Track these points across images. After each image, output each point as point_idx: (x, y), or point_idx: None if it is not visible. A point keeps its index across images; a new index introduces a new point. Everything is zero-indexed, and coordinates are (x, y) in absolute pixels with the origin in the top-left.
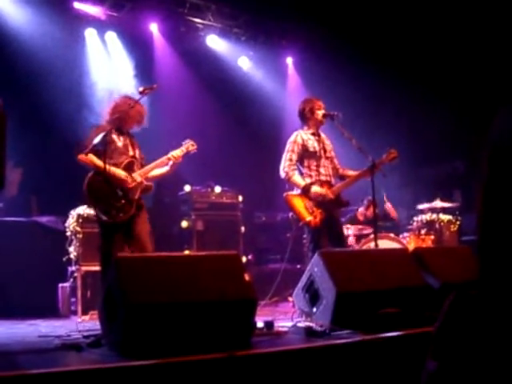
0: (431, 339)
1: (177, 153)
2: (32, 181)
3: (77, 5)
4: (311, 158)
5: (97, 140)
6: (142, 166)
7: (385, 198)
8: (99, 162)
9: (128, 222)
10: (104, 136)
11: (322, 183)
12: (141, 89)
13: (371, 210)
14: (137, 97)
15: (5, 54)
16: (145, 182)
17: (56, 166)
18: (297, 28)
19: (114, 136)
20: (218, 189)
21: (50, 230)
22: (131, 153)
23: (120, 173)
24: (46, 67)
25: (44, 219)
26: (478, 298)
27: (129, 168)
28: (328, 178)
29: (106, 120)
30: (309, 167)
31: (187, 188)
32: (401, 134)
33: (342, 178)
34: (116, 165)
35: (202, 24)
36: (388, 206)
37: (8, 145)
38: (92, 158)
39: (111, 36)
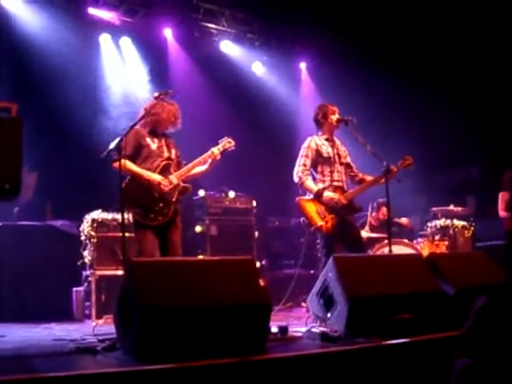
0: (461, 338)
1: (214, 151)
2: (47, 185)
3: (92, 10)
4: (325, 164)
5: (131, 144)
6: (180, 165)
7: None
8: (135, 168)
9: (164, 228)
10: (138, 141)
11: (335, 188)
12: (156, 94)
13: (382, 211)
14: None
15: (21, 60)
16: (182, 184)
17: (71, 170)
18: (310, 33)
19: (148, 139)
20: (231, 194)
21: (65, 235)
22: (166, 154)
23: (155, 177)
24: (61, 72)
25: (58, 223)
26: (509, 299)
27: (165, 170)
28: (341, 184)
29: (140, 123)
30: (322, 173)
31: (201, 193)
32: (414, 139)
33: (360, 182)
34: (151, 169)
35: (216, 29)
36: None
37: (24, 149)
38: (128, 164)
39: (126, 41)
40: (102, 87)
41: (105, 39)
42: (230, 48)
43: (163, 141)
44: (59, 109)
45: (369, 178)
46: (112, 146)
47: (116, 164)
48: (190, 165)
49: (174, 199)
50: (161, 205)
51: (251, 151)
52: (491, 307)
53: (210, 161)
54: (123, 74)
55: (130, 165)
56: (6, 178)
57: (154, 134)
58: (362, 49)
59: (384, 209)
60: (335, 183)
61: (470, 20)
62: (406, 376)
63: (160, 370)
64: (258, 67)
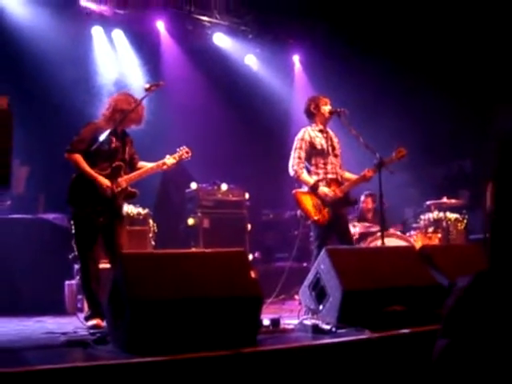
0: (442, 319)
1: (170, 161)
2: (40, 178)
3: (83, 2)
4: (318, 156)
5: (86, 141)
6: (134, 164)
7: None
8: (86, 168)
9: (107, 228)
10: (97, 136)
11: (329, 181)
12: (147, 86)
13: (366, 201)
14: (140, 95)
15: (12, 52)
16: (129, 189)
17: (63, 163)
18: (304, 26)
19: (107, 137)
20: (224, 186)
21: (57, 228)
22: (121, 155)
23: (103, 181)
24: (53, 65)
25: (51, 216)
26: (492, 282)
27: (115, 173)
28: (335, 176)
29: (104, 118)
30: (316, 165)
31: (194, 186)
32: (407, 132)
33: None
34: (102, 168)
35: (209, 22)
36: None
37: (15, 142)
38: (79, 160)
39: (118, 34)
40: (94, 79)
41: (97, 31)
42: (222, 40)
43: (121, 140)
44: (52, 101)
45: (347, 174)
46: (101, 138)
47: (70, 156)
48: (141, 171)
49: (118, 202)
50: (104, 206)
51: (244, 143)
52: (475, 288)
53: (165, 167)
54: (116, 66)
55: (81, 161)
56: None
57: (114, 131)
58: (356, 42)
59: (368, 200)
60: (329, 175)
61: (461, 9)
62: (398, 368)
63: (151, 363)
64: (251, 60)
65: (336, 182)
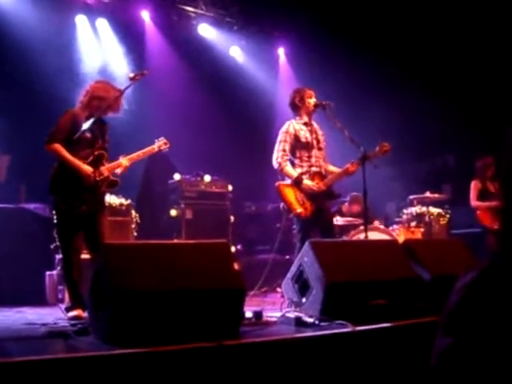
0: (444, 316)
1: (149, 151)
2: (21, 168)
3: None
4: (303, 149)
5: (66, 128)
6: (104, 149)
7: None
8: (68, 156)
9: (89, 218)
10: (74, 123)
11: (313, 174)
12: (131, 75)
13: (355, 206)
14: (124, 84)
15: None
16: (111, 177)
17: (45, 152)
18: (289, 19)
19: (92, 125)
20: (207, 178)
21: (38, 218)
22: (101, 144)
23: (85, 168)
24: (36, 52)
25: (32, 206)
26: (500, 277)
27: (97, 161)
28: (319, 169)
29: (81, 105)
30: (300, 158)
31: (177, 177)
32: (391, 127)
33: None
34: (83, 157)
35: (194, 13)
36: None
37: None
38: (60, 149)
39: (102, 23)
40: (78, 68)
41: (81, 20)
42: (207, 31)
43: (99, 127)
44: (34, 90)
45: (331, 167)
46: (85, 126)
47: (50, 147)
48: (121, 161)
49: (101, 191)
50: (87, 195)
51: (227, 135)
52: (480, 284)
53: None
54: (100, 55)
55: (62, 150)
56: None
57: (97, 119)
58: (342, 34)
59: (355, 205)
60: (313, 168)
61: (449, 5)
62: (381, 361)
63: (132, 354)
64: (235, 51)
65: (320, 175)
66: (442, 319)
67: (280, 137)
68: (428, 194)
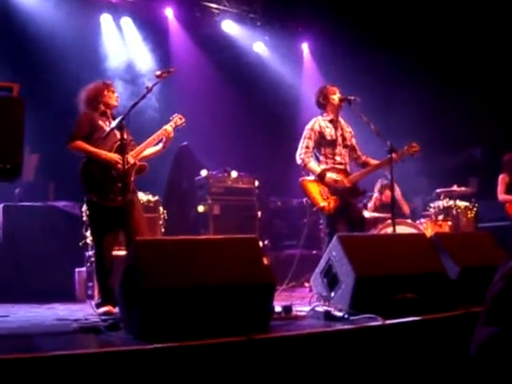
0: (487, 305)
1: (166, 128)
2: (50, 166)
3: None
4: (327, 146)
5: (85, 127)
6: (133, 148)
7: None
8: (92, 148)
9: (124, 208)
10: (91, 122)
11: (337, 171)
12: (158, 73)
13: (386, 194)
14: (151, 82)
15: (21, 40)
16: (138, 163)
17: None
18: (313, 14)
19: (101, 122)
20: (234, 174)
21: (67, 215)
22: (119, 136)
23: (113, 156)
24: (62, 52)
25: (61, 204)
26: None
27: (121, 151)
28: (344, 167)
29: (86, 107)
30: (325, 155)
31: (204, 173)
32: (417, 120)
33: (363, 165)
34: (106, 150)
35: (218, 9)
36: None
37: (25, 130)
38: (83, 145)
39: (126, 21)
40: (103, 67)
41: (105, 19)
42: (231, 28)
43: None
44: (61, 89)
45: (372, 161)
46: (113, 125)
47: (72, 145)
48: (144, 143)
49: (132, 178)
50: (119, 185)
51: (253, 131)
52: None
53: (164, 139)
54: (124, 54)
55: (85, 145)
56: (8, 159)
57: (105, 116)
58: (364, 29)
59: (387, 191)
60: (337, 166)
61: (470, 3)
62: (410, 355)
63: (163, 349)
64: (259, 47)
65: (344, 172)
66: (485, 309)
67: (305, 133)
68: (455, 187)
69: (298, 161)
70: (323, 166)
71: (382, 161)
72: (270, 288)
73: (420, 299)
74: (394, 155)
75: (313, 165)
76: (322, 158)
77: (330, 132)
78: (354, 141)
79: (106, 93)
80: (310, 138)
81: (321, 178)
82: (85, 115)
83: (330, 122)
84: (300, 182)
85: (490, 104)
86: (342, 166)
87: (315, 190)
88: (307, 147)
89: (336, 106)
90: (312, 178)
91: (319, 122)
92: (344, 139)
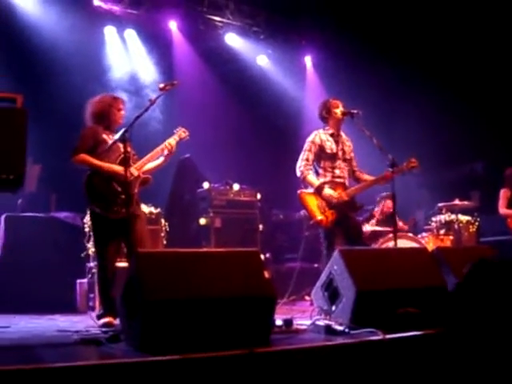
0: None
1: (170, 141)
2: (52, 177)
3: (96, 2)
4: (327, 160)
5: (88, 141)
6: (135, 161)
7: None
8: (95, 161)
9: (127, 220)
10: (95, 136)
11: (336, 184)
12: (161, 85)
13: (386, 204)
14: (155, 95)
15: (25, 51)
16: (142, 175)
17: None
18: (316, 27)
19: (105, 136)
20: (236, 186)
21: (68, 226)
22: (122, 149)
23: (116, 168)
24: (65, 64)
25: (62, 215)
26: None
27: (124, 163)
28: (342, 180)
29: (91, 121)
30: (324, 168)
31: (206, 185)
32: (419, 134)
33: (356, 180)
34: (110, 162)
35: (221, 22)
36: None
37: (28, 140)
38: (87, 157)
39: (130, 34)
40: (106, 79)
41: (109, 31)
42: (234, 41)
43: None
44: (64, 100)
45: (366, 176)
46: (116, 137)
47: (75, 158)
48: (147, 156)
49: (135, 190)
50: (123, 197)
51: (255, 144)
52: (473, 275)
53: (166, 152)
54: (128, 66)
55: (88, 158)
56: (11, 169)
57: (108, 130)
58: (367, 42)
59: (388, 201)
60: (336, 179)
61: (475, 13)
62: (411, 369)
63: (164, 362)
64: (262, 60)
65: (342, 186)
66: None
67: (305, 146)
68: (457, 201)
69: (298, 173)
70: (322, 179)
71: (378, 176)
72: (271, 301)
73: (421, 314)
74: (391, 172)
75: (311, 177)
76: (321, 170)
77: (330, 145)
78: (352, 155)
79: (112, 110)
80: (310, 150)
81: (318, 191)
82: (89, 129)
83: (331, 135)
84: (298, 194)
85: (492, 118)
86: (340, 180)
87: (313, 203)
88: (307, 160)
89: (338, 120)
90: (311, 190)
91: (320, 136)
92: (344, 153)
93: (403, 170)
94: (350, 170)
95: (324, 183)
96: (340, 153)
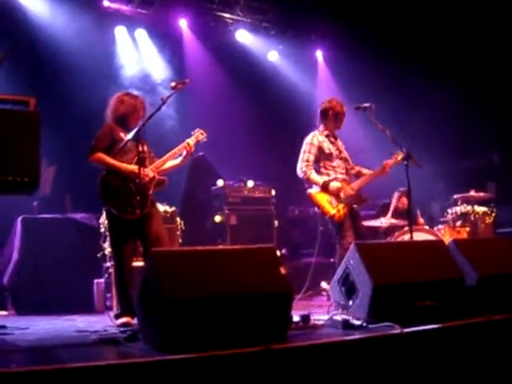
0: None
1: (189, 142)
2: (66, 179)
3: (106, 2)
4: (326, 159)
5: (105, 139)
6: (152, 160)
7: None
8: (111, 161)
9: (142, 220)
10: (112, 134)
11: (340, 181)
12: (173, 84)
13: (402, 201)
14: (166, 93)
15: (36, 53)
16: (157, 177)
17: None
18: (326, 22)
19: (122, 134)
20: (250, 183)
21: (85, 227)
22: (140, 148)
23: (133, 167)
24: (77, 65)
25: (78, 216)
26: None
27: (140, 164)
28: (344, 176)
29: (110, 119)
30: (325, 167)
31: (220, 183)
32: (435, 126)
33: (356, 175)
34: (126, 162)
35: (232, 19)
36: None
37: (42, 143)
38: (103, 157)
39: (141, 33)
40: (118, 80)
41: (120, 31)
42: (245, 37)
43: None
44: (76, 101)
45: (365, 170)
46: (129, 136)
47: (92, 157)
48: (165, 157)
49: (150, 192)
50: (138, 198)
51: (268, 140)
52: None
53: (184, 153)
54: (139, 66)
55: (105, 157)
56: (26, 172)
57: (125, 128)
58: (378, 35)
59: (404, 199)
60: (340, 175)
61: (493, 5)
62: (429, 362)
63: (182, 360)
64: (273, 56)
65: (346, 182)
66: None
67: (304, 147)
68: (473, 192)
69: (300, 174)
70: (325, 178)
71: (378, 170)
72: (287, 297)
73: (439, 307)
74: (385, 163)
75: (315, 176)
76: (322, 169)
77: (327, 146)
78: (345, 153)
79: (134, 113)
80: (309, 152)
81: (325, 187)
82: (106, 127)
83: (326, 136)
84: (308, 194)
85: (508, 110)
86: (343, 176)
87: (323, 199)
88: (307, 160)
89: (336, 123)
90: (317, 189)
91: (317, 137)
92: (340, 152)
93: (392, 164)
94: (347, 168)
95: (329, 180)
96: (337, 152)
